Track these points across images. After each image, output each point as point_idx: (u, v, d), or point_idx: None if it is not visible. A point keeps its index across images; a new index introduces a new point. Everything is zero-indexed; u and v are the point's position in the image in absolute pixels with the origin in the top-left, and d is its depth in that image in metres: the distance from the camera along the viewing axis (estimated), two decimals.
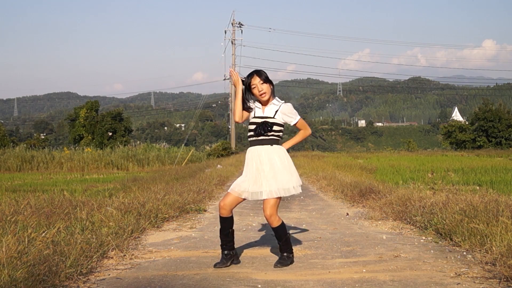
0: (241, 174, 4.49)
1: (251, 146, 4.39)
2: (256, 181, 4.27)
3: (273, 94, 4.40)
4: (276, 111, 4.35)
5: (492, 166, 18.49)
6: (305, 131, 4.55)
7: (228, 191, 4.38)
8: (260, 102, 4.40)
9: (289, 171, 4.32)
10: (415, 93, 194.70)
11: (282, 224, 4.40)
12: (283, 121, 4.37)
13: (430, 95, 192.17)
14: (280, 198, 4.31)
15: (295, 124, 4.46)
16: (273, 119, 4.32)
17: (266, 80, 4.35)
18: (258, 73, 4.36)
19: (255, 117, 4.37)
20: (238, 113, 4.39)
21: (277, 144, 4.38)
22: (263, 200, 4.29)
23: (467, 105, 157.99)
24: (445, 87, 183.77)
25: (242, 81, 4.40)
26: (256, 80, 4.32)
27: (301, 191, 4.39)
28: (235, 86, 4.41)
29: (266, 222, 6.91)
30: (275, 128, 4.33)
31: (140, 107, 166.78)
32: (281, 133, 4.39)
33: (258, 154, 4.31)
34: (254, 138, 4.36)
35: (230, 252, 4.43)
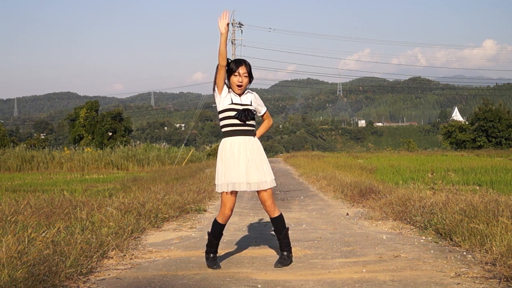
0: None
1: (234, 135, 4.26)
2: (250, 172, 4.21)
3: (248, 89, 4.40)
4: (251, 100, 4.35)
5: (492, 166, 18.48)
6: (270, 121, 4.63)
7: (224, 191, 4.23)
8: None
9: (268, 163, 4.37)
10: (415, 93, 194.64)
11: (282, 214, 4.42)
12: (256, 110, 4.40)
13: (430, 95, 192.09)
14: None
15: (262, 115, 4.51)
16: (251, 106, 4.31)
17: (249, 74, 4.32)
18: (246, 64, 4.30)
19: (233, 103, 4.27)
20: (224, 56, 4.15)
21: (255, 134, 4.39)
22: (262, 192, 4.25)
23: (467, 105, 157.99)
24: (445, 87, 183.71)
25: (229, 63, 4.29)
26: (242, 71, 4.26)
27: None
28: (220, 31, 4.12)
29: (265, 222, 6.91)
30: (254, 117, 4.34)
31: (140, 107, 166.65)
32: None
33: (246, 144, 4.25)
34: (239, 128, 4.25)
35: (216, 255, 4.46)
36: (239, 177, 4.20)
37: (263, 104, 4.50)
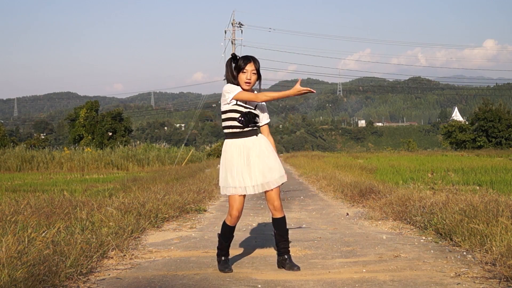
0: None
1: (234, 137, 4.15)
2: (255, 173, 4.08)
3: (257, 89, 4.28)
4: (256, 105, 4.23)
5: (492, 166, 18.48)
6: (270, 139, 4.35)
7: (230, 194, 4.13)
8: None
9: (277, 159, 4.21)
10: (415, 93, 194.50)
11: (285, 216, 4.28)
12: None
13: (430, 95, 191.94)
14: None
15: (261, 126, 4.30)
16: (255, 111, 4.20)
17: (258, 71, 4.22)
18: (255, 61, 4.20)
19: (237, 104, 4.15)
20: (268, 97, 4.14)
21: (259, 132, 4.26)
22: (269, 192, 4.11)
23: (467, 105, 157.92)
24: (445, 87, 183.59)
25: (235, 59, 4.21)
26: (251, 67, 4.16)
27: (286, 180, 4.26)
28: (292, 91, 4.14)
29: (265, 222, 6.92)
30: (256, 120, 4.21)
31: (140, 107, 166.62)
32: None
33: (247, 147, 4.12)
34: (240, 130, 4.14)
35: (228, 257, 4.34)
36: (243, 181, 4.09)
37: (268, 115, 4.33)
